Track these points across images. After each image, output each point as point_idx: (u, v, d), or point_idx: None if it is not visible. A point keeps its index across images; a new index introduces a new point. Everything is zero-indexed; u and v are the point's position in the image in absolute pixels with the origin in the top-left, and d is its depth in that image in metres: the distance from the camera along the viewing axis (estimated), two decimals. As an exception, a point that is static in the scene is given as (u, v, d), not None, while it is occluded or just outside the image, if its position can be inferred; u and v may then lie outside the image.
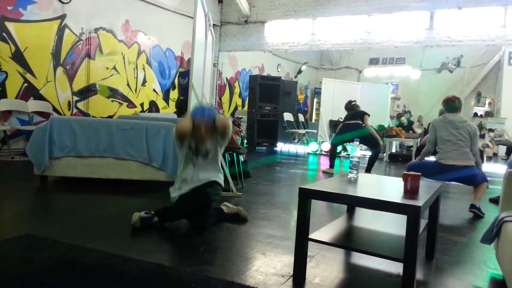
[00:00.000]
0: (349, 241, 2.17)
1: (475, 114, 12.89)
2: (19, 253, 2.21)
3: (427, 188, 2.31)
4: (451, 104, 4.03)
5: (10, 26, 5.87)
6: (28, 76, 6.17)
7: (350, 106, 6.61)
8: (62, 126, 4.14)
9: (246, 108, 10.93)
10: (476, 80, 13.25)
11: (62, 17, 6.59)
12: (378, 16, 8.58)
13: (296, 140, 9.92)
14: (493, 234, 2.19)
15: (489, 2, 7.54)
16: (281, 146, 9.85)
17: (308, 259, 2.15)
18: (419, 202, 1.88)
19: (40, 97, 6.36)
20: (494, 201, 4.41)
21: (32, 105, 6.24)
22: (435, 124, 4.05)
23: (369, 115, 6.30)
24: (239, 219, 3.12)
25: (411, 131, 9.42)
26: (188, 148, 2.99)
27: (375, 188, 2.49)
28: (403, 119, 10.45)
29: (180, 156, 3.05)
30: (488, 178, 3.97)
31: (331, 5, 8.96)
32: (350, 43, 8.99)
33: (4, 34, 5.80)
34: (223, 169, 4.18)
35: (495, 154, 11.02)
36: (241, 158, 4.96)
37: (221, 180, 3.14)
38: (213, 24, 7.56)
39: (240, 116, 10.67)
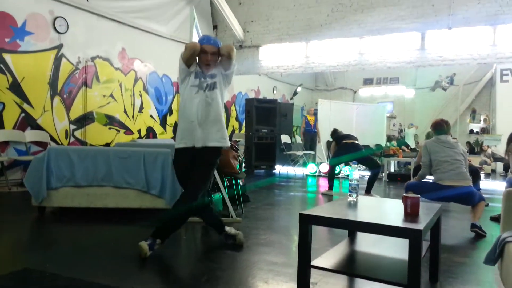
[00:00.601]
0: (351, 267, 2.15)
1: (471, 131, 12.98)
2: (17, 289, 2.17)
3: (427, 210, 2.31)
4: (440, 128, 4.09)
5: (7, 57, 5.93)
6: (25, 106, 6.20)
7: (337, 134, 6.68)
8: (59, 156, 4.13)
9: (243, 131, 10.97)
10: (470, 97, 13.41)
11: (59, 47, 6.67)
12: (370, 38, 8.74)
13: (294, 162, 9.92)
14: (496, 255, 2.17)
15: (478, 22, 7.71)
16: (279, 169, 9.85)
17: (311, 286, 2.12)
18: (420, 225, 1.88)
19: (37, 127, 6.37)
20: (495, 219, 4.40)
21: (29, 135, 6.24)
22: (428, 146, 4.07)
23: None
24: (235, 242, 3.10)
25: (407, 148, 9.45)
26: (194, 76, 2.96)
27: (375, 212, 2.48)
28: (394, 143, 10.49)
29: (184, 86, 2.99)
30: (488, 196, 3.98)
31: (324, 29, 9.13)
32: (344, 65, 9.11)
33: (1, 65, 5.86)
34: (222, 194, 4.18)
35: (493, 171, 11.04)
36: (240, 182, 4.95)
37: (223, 140, 3.03)
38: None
39: (237, 140, 10.69)
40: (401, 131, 13.55)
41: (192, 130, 2.89)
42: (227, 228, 3.12)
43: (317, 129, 10.12)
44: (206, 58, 2.95)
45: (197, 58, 3.00)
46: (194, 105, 2.91)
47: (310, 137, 10.31)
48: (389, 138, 11.02)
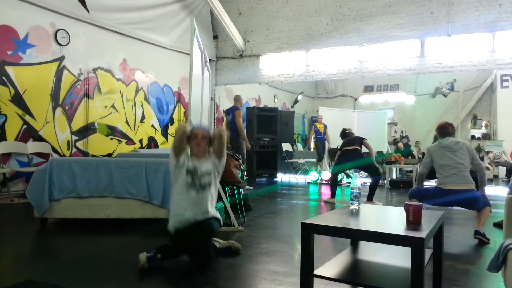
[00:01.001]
0: (354, 275, 2.14)
1: (473, 137, 12.97)
2: (19, 301, 2.17)
3: (429, 217, 2.30)
4: (444, 131, 4.08)
5: (9, 70, 5.97)
6: (27, 117, 6.23)
7: (345, 134, 6.66)
8: (61, 167, 4.14)
9: (244, 140, 10.97)
10: (471, 103, 13.43)
11: (61, 59, 6.72)
12: (369, 46, 8.78)
13: (295, 170, 9.92)
14: (500, 262, 2.16)
15: (477, 29, 7.74)
16: (281, 177, 9.84)
17: (314, 296, 2.11)
18: (423, 234, 1.87)
19: (39, 138, 6.40)
20: (498, 225, 4.37)
21: (31, 146, 6.26)
22: (431, 150, 4.10)
23: (367, 141, 6.36)
24: (232, 251, 3.11)
25: (410, 157, 9.44)
26: (186, 172, 2.96)
27: (378, 220, 2.48)
28: (400, 145, 10.48)
29: (175, 180, 3.00)
30: (491, 202, 3.95)
31: (323, 37, 9.18)
32: (344, 73, 9.15)
33: (3, 78, 5.90)
34: (224, 203, 4.18)
35: (495, 176, 11.00)
36: (242, 191, 4.94)
37: (218, 215, 3.11)
38: (209, 60, 7.71)
39: (238, 148, 10.69)
40: (402, 138, 13.55)
41: (184, 216, 2.93)
42: (219, 245, 3.12)
43: (327, 136, 10.01)
44: (197, 143, 3.00)
45: (188, 149, 3.04)
46: (186, 202, 2.94)
47: (322, 145, 10.20)
48: (396, 140, 10.93)
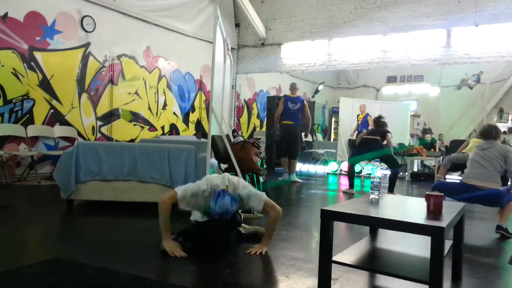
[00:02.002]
0: (373, 263, 2.16)
1: (498, 130, 12.63)
2: (47, 277, 2.28)
3: (450, 208, 2.30)
4: (487, 135, 3.96)
5: (38, 55, 6.14)
6: (54, 102, 6.40)
7: (378, 122, 6.37)
8: (88, 151, 4.27)
9: (264, 128, 11.01)
10: (497, 96, 13.05)
11: (87, 45, 6.86)
12: (394, 35, 8.62)
13: (315, 160, 9.90)
14: (522, 255, 2.14)
15: (506, 19, 7.50)
16: (300, 166, 9.85)
17: (332, 282, 2.14)
18: (443, 223, 1.88)
19: (66, 123, 6.58)
20: (522, 220, 4.30)
21: (58, 130, 6.45)
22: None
23: (391, 135, 6.23)
24: (257, 238, 3.14)
25: (432, 149, 9.28)
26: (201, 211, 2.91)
27: (398, 209, 2.48)
28: (428, 136, 10.18)
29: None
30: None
31: (347, 26, 9.06)
32: (367, 63, 9.03)
33: (32, 63, 6.07)
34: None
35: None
36: (261, 179, 4.99)
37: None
38: (231, 48, 7.73)
39: (258, 137, 10.74)
40: (425, 130, 13.29)
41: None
42: (244, 231, 3.17)
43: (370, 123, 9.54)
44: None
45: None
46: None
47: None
48: (425, 130, 10.55)
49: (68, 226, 3.81)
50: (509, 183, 3.92)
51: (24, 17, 5.95)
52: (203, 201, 2.82)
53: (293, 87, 7.53)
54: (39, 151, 6.19)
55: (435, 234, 1.79)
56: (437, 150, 9.52)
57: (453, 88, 13.81)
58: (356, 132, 9.64)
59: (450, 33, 8.09)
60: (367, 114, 9.72)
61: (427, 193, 2.20)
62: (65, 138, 6.59)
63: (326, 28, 9.33)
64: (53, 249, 2.90)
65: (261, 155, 4.88)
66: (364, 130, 8.64)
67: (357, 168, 7.91)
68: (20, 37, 5.91)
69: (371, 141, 6.08)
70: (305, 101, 7.54)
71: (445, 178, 4.39)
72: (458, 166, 4.33)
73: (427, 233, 1.84)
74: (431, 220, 1.99)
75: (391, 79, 14.94)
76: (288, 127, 7.28)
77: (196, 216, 2.98)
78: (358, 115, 10.00)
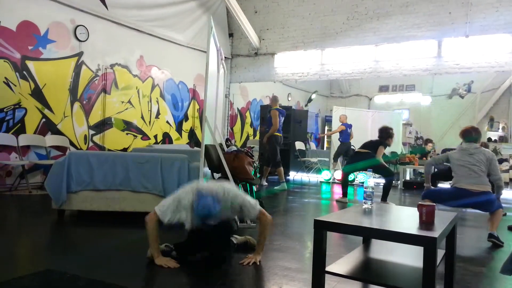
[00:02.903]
0: (366, 273, 2.16)
1: (489, 139, 12.75)
2: (39, 289, 2.25)
3: (442, 218, 2.31)
4: (468, 135, 4.04)
5: (30, 64, 6.12)
6: (46, 111, 6.37)
7: (379, 133, 6.26)
8: (79, 160, 4.24)
9: (257, 137, 11.02)
10: (488, 105, 13.21)
11: (79, 54, 6.85)
12: (386, 45, 8.73)
13: (308, 169, 9.91)
14: (513, 265, 2.15)
15: (496, 30, 7.63)
16: (293, 175, 9.85)
17: (325, 292, 2.14)
18: (435, 233, 1.88)
19: (58, 132, 6.54)
20: (513, 229, 4.34)
21: (50, 139, 6.40)
22: (451, 153, 4.09)
23: (385, 147, 6.22)
24: (248, 247, 3.14)
25: (424, 158, 9.34)
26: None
27: (390, 219, 2.49)
28: (429, 146, 10.14)
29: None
30: (506, 205, 3.92)
31: (339, 36, 9.15)
32: (359, 72, 9.11)
33: (24, 72, 6.05)
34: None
35: (511, 180, 10.82)
36: (254, 188, 4.99)
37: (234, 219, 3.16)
38: (225, 57, 7.76)
39: (252, 146, 10.75)
40: (417, 139, 13.41)
41: None
42: (236, 241, 3.17)
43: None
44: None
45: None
46: None
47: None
48: (428, 140, 10.49)
49: (59, 236, 3.77)
50: (496, 194, 3.94)
51: (17, 26, 5.93)
52: (189, 212, 2.72)
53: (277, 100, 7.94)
54: (31, 160, 6.13)
55: (428, 245, 1.80)
56: (428, 158, 9.59)
57: (444, 97, 13.95)
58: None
59: (441, 44, 8.20)
60: (348, 126, 9.46)
61: (419, 203, 2.22)
62: (57, 147, 6.54)
63: (319, 38, 9.42)
64: (44, 261, 2.87)
65: (254, 164, 4.88)
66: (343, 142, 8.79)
67: (351, 177, 7.93)
68: (12, 46, 5.89)
69: (363, 154, 6.13)
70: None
71: (436, 186, 4.44)
72: (446, 174, 4.37)
73: (420, 244, 1.84)
74: (423, 230, 2.00)
75: (383, 89, 15.07)
76: (280, 138, 7.78)
77: (188, 225, 2.95)
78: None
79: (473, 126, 4.19)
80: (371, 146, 6.19)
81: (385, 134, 6.19)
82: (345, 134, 9.05)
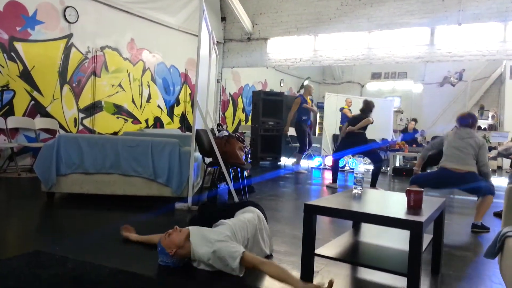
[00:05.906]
0: (354, 256, 2.20)
1: (479, 127, 12.88)
2: (28, 270, 2.25)
3: (430, 203, 2.34)
4: (464, 121, 4.07)
5: (18, 46, 6.00)
6: (35, 94, 6.28)
7: (363, 109, 6.25)
8: (69, 143, 4.20)
9: (249, 123, 11.01)
10: (478, 93, 13.32)
11: (69, 36, 6.73)
12: (379, 32, 8.70)
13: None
14: (496, 249, 2.20)
15: (488, 18, 7.65)
16: (284, 161, 9.89)
17: (314, 275, 2.17)
18: (422, 218, 1.92)
19: (47, 115, 6.46)
20: (499, 215, 4.41)
21: (39, 122, 6.33)
22: (446, 134, 4.14)
23: (371, 122, 6.14)
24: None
25: (414, 145, 9.43)
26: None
27: (379, 204, 2.52)
28: (412, 124, 10.49)
29: None
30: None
31: (332, 22, 9.10)
32: (352, 59, 9.09)
33: (12, 53, 5.93)
34: (227, 184, 4.24)
35: (499, 167, 10.99)
36: (245, 173, 5.00)
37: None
38: (217, 42, 7.69)
39: (243, 131, 10.73)
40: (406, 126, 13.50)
41: None
42: None
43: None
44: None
45: None
46: None
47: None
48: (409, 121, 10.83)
49: (49, 219, 3.76)
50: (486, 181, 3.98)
51: (4, 6, 5.79)
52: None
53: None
54: (19, 143, 6.06)
55: (414, 229, 1.83)
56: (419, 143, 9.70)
57: (436, 85, 14.03)
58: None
59: (434, 31, 8.20)
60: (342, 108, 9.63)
61: (408, 188, 2.24)
62: (46, 130, 6.47)
63: (312, 24, 9.35)
64: (33, 242, 2.86)
65: (246, 149, 4.88)
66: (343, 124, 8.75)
67: (341, 163, 7.98)
68: (0, 27, 5.78)
69: (356, 135, 6.09)
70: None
71: (425, 171, 4.48)
72: (436, 158, 4.40)
73: (406, 228, 1.88)
74: (410, 215, 2.03)
75: (376, 76, 15.09)
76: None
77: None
78: (342, 109, 9.91)
79: (469, 112, 4.23)
80: (359, 120, 6.11)
81: (368, 110, 6.21)
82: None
